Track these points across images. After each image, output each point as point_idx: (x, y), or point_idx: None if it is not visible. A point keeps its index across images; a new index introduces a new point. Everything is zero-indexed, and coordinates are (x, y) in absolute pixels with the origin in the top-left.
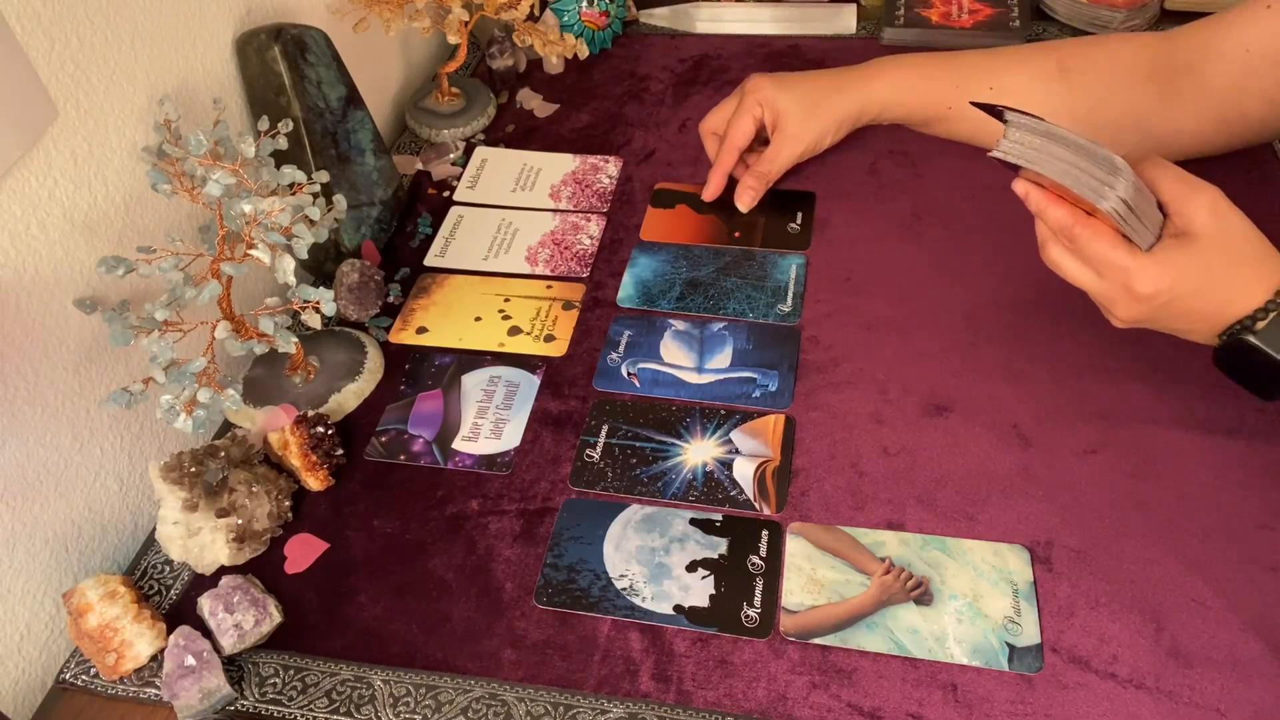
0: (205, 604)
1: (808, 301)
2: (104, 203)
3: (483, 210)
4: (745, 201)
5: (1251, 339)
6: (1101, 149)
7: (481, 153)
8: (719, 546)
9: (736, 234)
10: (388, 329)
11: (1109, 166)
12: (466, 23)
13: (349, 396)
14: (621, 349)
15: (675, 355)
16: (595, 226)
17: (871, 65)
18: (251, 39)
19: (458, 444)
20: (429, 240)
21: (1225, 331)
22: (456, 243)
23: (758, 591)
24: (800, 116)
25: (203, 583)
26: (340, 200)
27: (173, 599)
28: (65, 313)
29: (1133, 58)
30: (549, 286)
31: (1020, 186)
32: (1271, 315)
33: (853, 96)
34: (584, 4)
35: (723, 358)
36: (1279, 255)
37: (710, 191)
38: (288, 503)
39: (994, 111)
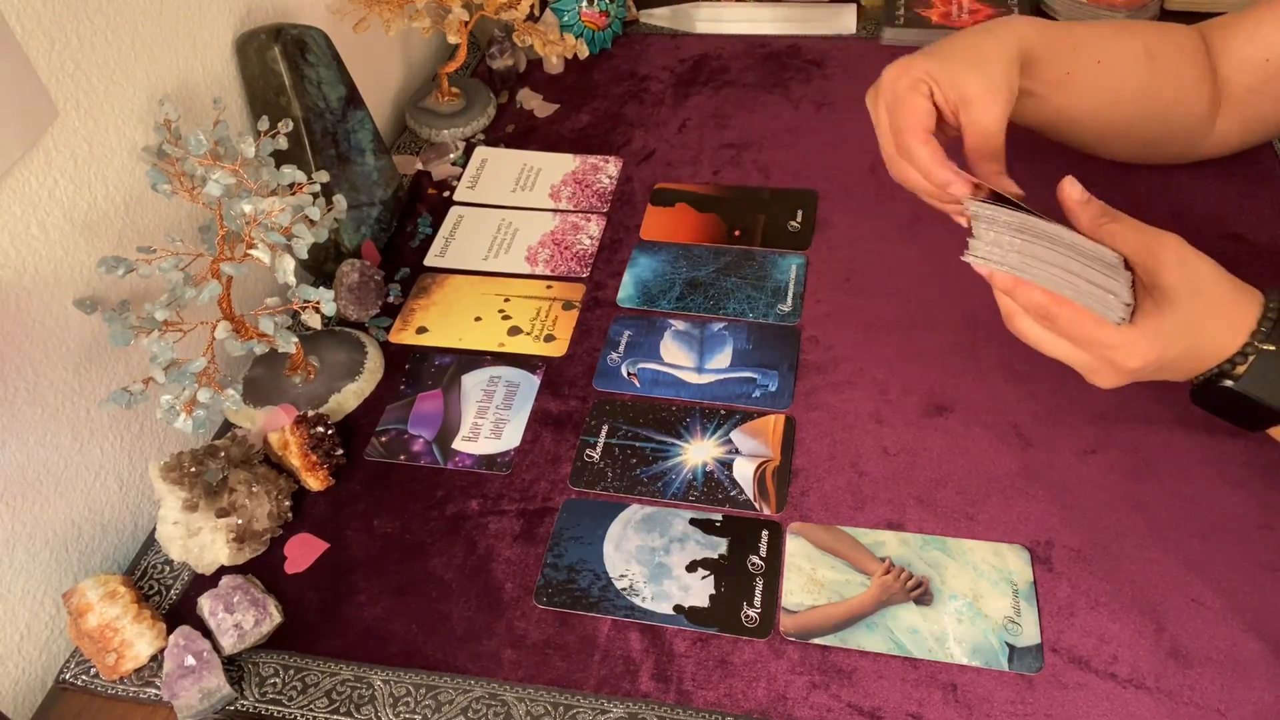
0: (205, 604)
1: (808, 301)
2: (104, 203)
3: (483, 210)
4: (1009, 185)
5: (1229, 384)
6: (1083, 241)
7: (481, 153)
8: (719, 546)
9: (737, 233)
10: (388, 329)
11: (1102, 264)
12: (466, 23)
13: (349, 396)
14: (621, 349)
15: (675, 355)
16: (595, 226)
17: (993, 20)
18: (251, 39)
19: (458, 444)
20: (429, 240)
21: (1202, 376)
22: (456, 243)
23: (758, 591)
24: (975, 68)
25: (203, 583)
26: (340, 200)
27: (173, 599)
28: (65, 313)
29: (1193, 50)
30: (549, 286)
31: (983, 267)
32: (1250, 359)
33: (1003, 31)
34: (584, 4)
35: (723, 358)
36: (1248, 292)
37: (960, 184)
38: (288, 503)
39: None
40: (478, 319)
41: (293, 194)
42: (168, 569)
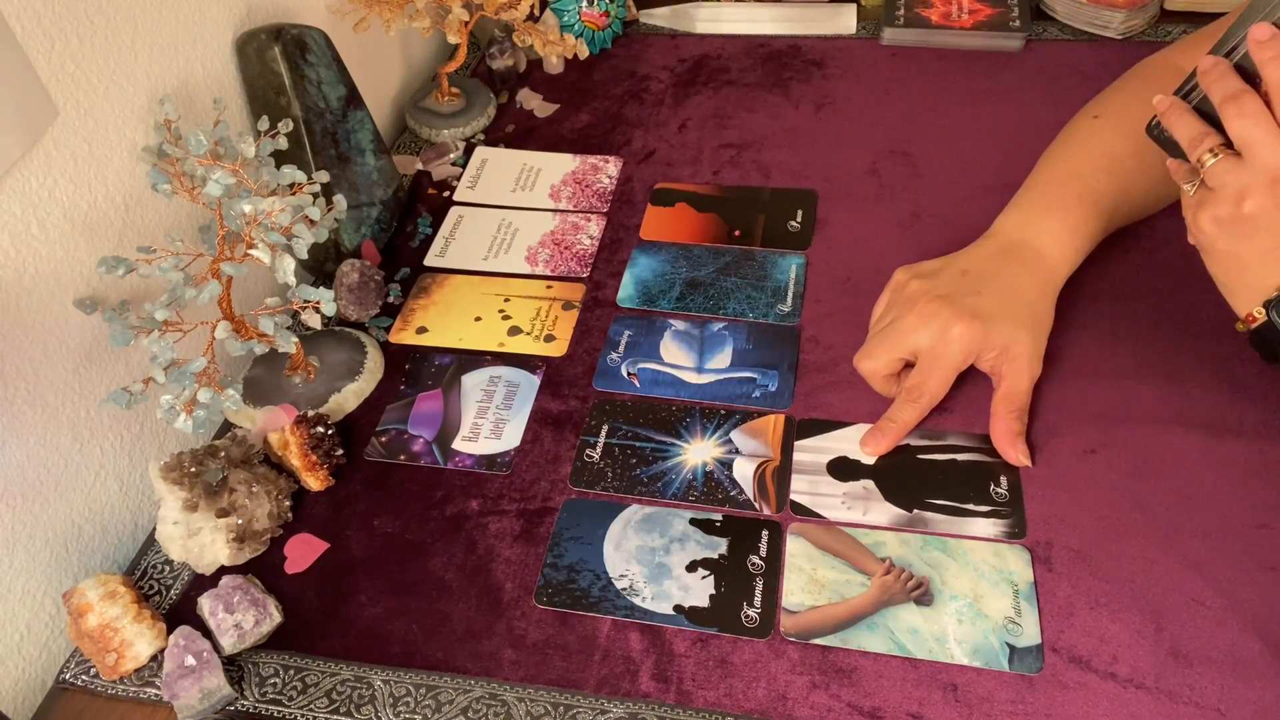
0: (205, 604)
1: (808, 301)
2: (104, 203)
3: (483, 210)
4: (1021, 451)
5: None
6: None
7: (481, 153)
8: (719, 546)
9: (736, 233)
10: (388, 329)
11: None
12: (466, 23)
13: (349, 396)
14: (621, 349)
15: (675, 355)
16: (595, 226)
17: (1020, 246)
18: (251, 39)
19: (458, 444)
20: (429, 240)
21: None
22: (456, 243)
23: (758, 591)
24: (1029, 329)
25: (203, 583)
26: (340, 200)
27: (173, 599)
28: (65, 313)
29: None
30: (549, 286)
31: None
32: None
33: (1052, 283)
34: (584, 4)
35: (723, 358)
36: None
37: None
38: (288, 503)
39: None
40: (478, 319)
41: (293, 194)
42: (168, 569)
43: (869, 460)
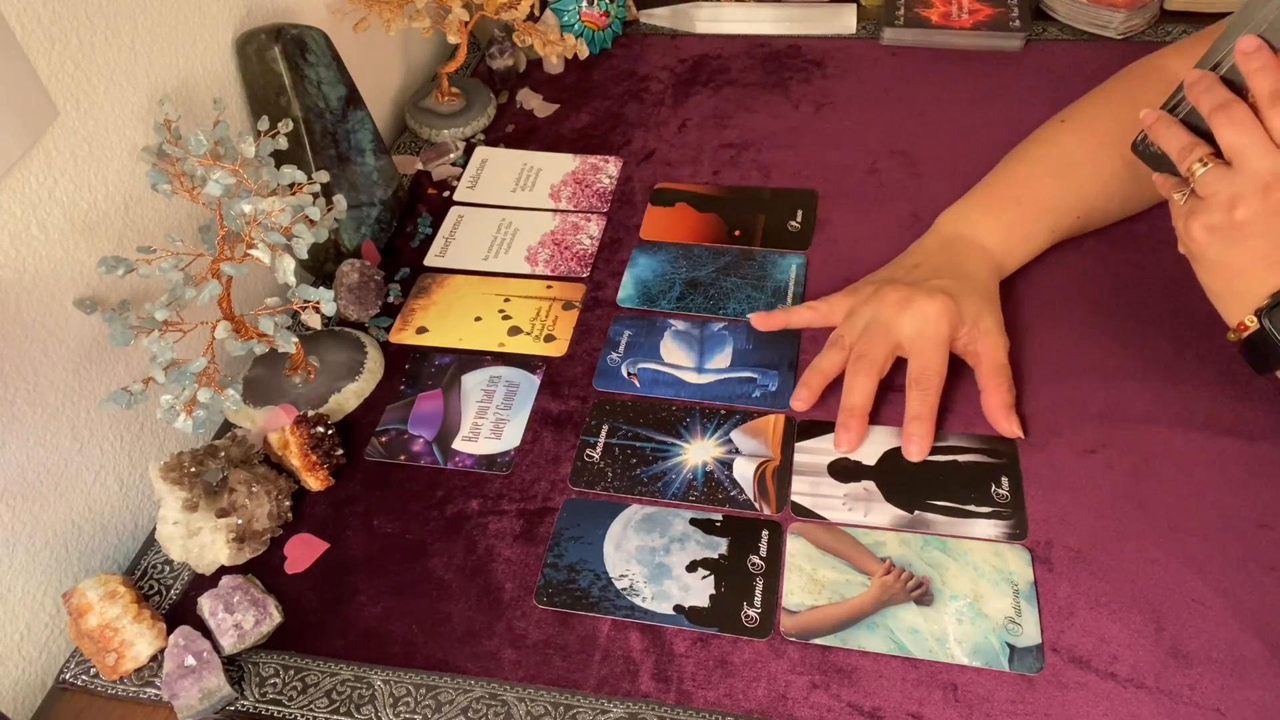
0: (205, 604)
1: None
2: (104, 203)
3: (483, 210)
4: (1013, 423)
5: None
6: None
7: (481, 153)
8: (719, 546)
9: (736, 233)
10: (388, 329)
11: None
12: (466, 23)
13: (349, 396)
14: (621, 349)
15: (675, 355)
16: (595, 226)
17: (958, 239)
18: (251, 39)
19: (458, 444)
20: (429, 240)
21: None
22: (456, 243)
23: (758, 591)
24: (990, 306)
25: (203, 583)
26: (340, 200)
27: (173, 599)
28: (65, 313)
29: None
30: (549, 286)
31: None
32: None
33: (994, 266)
34: (584, 4)
35: (723, 358)
36: None
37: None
38: (288, 503)
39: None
40: (478, 319)
41: (293, 194)
42: (168, 569)
43: (870, 462)
